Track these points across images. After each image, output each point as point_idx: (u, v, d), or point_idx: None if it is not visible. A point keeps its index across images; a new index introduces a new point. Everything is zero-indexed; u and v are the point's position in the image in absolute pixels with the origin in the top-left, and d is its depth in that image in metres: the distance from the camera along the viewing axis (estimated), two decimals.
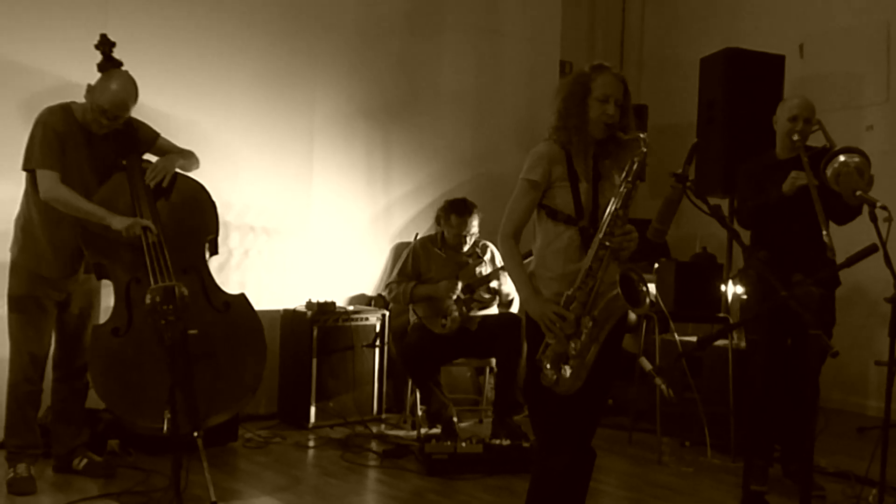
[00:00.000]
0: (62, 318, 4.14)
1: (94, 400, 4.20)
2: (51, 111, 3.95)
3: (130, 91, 3.96)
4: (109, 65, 4.04)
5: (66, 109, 3.99)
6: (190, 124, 5.06)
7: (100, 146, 4.05)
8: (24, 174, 4.00)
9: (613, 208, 2.83)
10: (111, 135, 4.05)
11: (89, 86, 3.96)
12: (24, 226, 4.02)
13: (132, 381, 3.93)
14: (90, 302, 4.23)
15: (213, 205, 4.30)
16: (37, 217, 3.97)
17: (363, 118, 6.08)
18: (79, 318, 4.16)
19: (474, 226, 5.26)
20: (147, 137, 4.21)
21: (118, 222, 3.88)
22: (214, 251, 4.32)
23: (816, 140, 4.28)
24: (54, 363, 4.17)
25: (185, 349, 3.61)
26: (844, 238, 3.92)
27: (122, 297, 4.02)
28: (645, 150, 2.85)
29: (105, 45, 4.07)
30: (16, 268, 4.04)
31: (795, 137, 4.14)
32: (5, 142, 4.22)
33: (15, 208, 4.09)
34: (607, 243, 2.81)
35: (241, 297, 4.27)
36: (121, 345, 3.96)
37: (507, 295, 5.33)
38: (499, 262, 5.31)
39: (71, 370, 4.16)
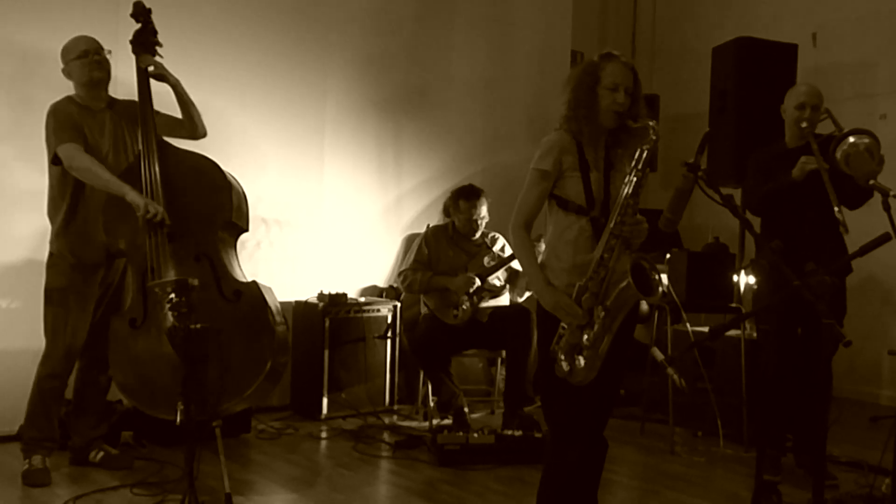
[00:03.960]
0: (96, 306, 4.15)
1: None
2: (56, 102, 4.05)
3: (82, 36, 4.08)
4: (145, 34, 4.20)
5: (69, 99, 4.08)
6: (201, 115, 5.07)
7: (110, 123, 4.11)
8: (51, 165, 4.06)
9: (623, 197, 2.83)
10: (117, 109, 4.15)
11: (64, 69, 4.07)
12: (58, 216, 4.05)
13: (150, 372, 3.94)
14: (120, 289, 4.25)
15: (228, 184, 4.19)
16: (69, 204, 4.02)
17: (374, 109, 6.08)
18: (108, 305, 4.18)
19: (483, 210, 5.26)
20: None
21: (134, 196, 3.90)
22: (242, 228, 4.31)
23: (826, 129, 4.26)
24: (82, 348, 4.16)
25: (195, 342, 3.57)
26: (858, 227, 3.90)
27: (138, 287, 4.03)
28: (655, 137, 2.84)
29: (141, 14, 4.22)
30: (55, 260, 4.07)
31: (804, 125, 4.12)
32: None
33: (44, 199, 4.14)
34: (618, 233, 2.81)
35: (253, 285, 4.16)
36: (138, 336, 3.97)
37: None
38: (508, 253, 5.31)
39: (96, 356, 4.13)
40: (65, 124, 3.97)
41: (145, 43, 4.22)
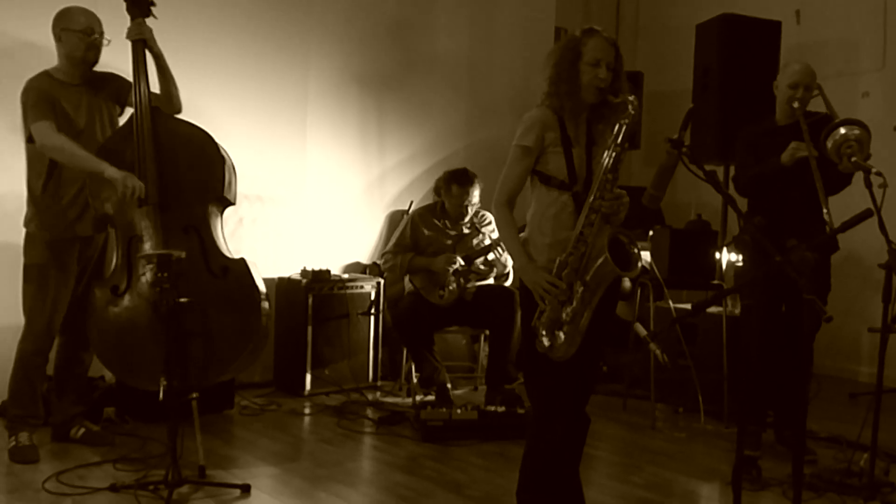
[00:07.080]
0: (76, 283, 4.12)
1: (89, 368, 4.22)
2: (31, 79, 3.97)
3: (89, 11, 3.98)
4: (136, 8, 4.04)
5: (45, 74, 4.00)
6: (182, 92, 5.01)
7: (87, 98, 4.04)
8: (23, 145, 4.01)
9: (602, 172, 2.83)
10: (95, 83, 4.08)
11: (56, 33, 3.95)
12: (34, 194, 4.01)
13: (130, 341, 3.93)
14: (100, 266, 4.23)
15: (222, 158, 4.16)
16: (45, 182, 3.97)
17: (357, 86, 6.04)
18: (88, 283, 4.15)
19: (475, 196, 5.23)
20: (126, 86, 4.17)
21: (112, 171, 3.84)
22: (230, 203, 4.26)
23: (816, 107, 4.26)
24: (61, 326, 4.15)
25: (178, 318, 3.55)
26: (840, 205, 3.92)
27: (123, 255, 3.99)
28: (633, 112, 2.83)
29: None
30: (33, 237, 4.03)
31: (795, 105, 4.12)
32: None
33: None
34: (597, 208, 2.81)
35: (241, 262, 4.16)
36: (120, 303, 3.95)
37: (505, 267, 5.30)
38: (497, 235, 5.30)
39: (78, 333, 4.12)
40: (39, 102, 3.89)
41: (140, 2, 4.05)
